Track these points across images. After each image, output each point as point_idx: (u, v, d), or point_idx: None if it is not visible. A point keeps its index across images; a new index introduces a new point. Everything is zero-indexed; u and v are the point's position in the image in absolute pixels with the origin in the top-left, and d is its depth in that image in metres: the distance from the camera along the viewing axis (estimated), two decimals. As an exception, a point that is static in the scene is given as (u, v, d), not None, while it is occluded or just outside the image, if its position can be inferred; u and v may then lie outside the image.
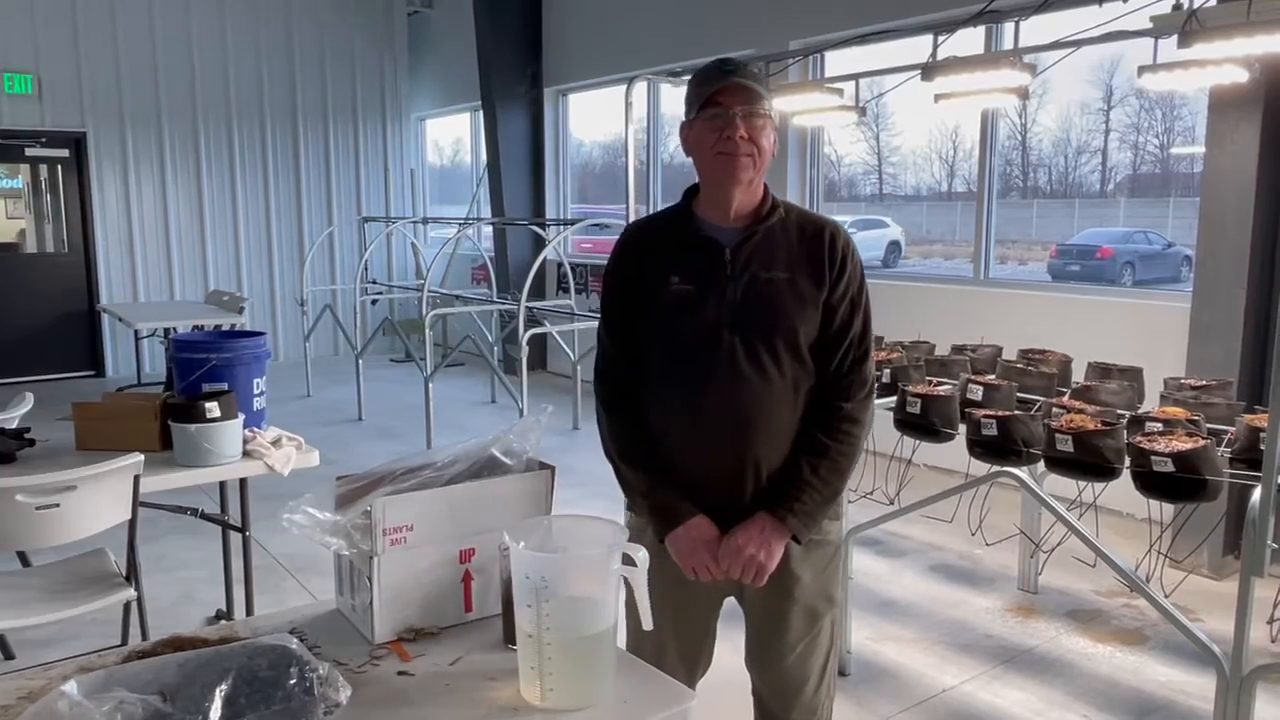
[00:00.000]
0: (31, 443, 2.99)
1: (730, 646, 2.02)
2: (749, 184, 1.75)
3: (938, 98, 3.53)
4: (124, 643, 2.95)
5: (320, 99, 9.96)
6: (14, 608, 2.69)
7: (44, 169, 8.86)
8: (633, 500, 1.89)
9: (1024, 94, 3.44)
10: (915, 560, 4.19)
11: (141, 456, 2.66)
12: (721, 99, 1.71)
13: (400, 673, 1.53)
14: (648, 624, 1.47)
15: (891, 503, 3.50)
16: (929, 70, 3.26)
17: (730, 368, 1.74)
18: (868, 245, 8.16)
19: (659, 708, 1.44)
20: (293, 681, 1.33)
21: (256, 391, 3.14)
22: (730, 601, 1.96)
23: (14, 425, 3.23)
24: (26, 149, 8.65)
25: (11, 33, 8.31)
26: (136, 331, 8.17)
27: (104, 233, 9.01)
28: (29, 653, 3.27)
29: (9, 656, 3.29)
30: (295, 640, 1.42)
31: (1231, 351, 3.94)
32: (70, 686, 1.25)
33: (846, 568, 3.15)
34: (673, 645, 1.90)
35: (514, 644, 1.57)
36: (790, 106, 4.02)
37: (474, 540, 1.69)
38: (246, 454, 2.98)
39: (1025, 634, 3.51)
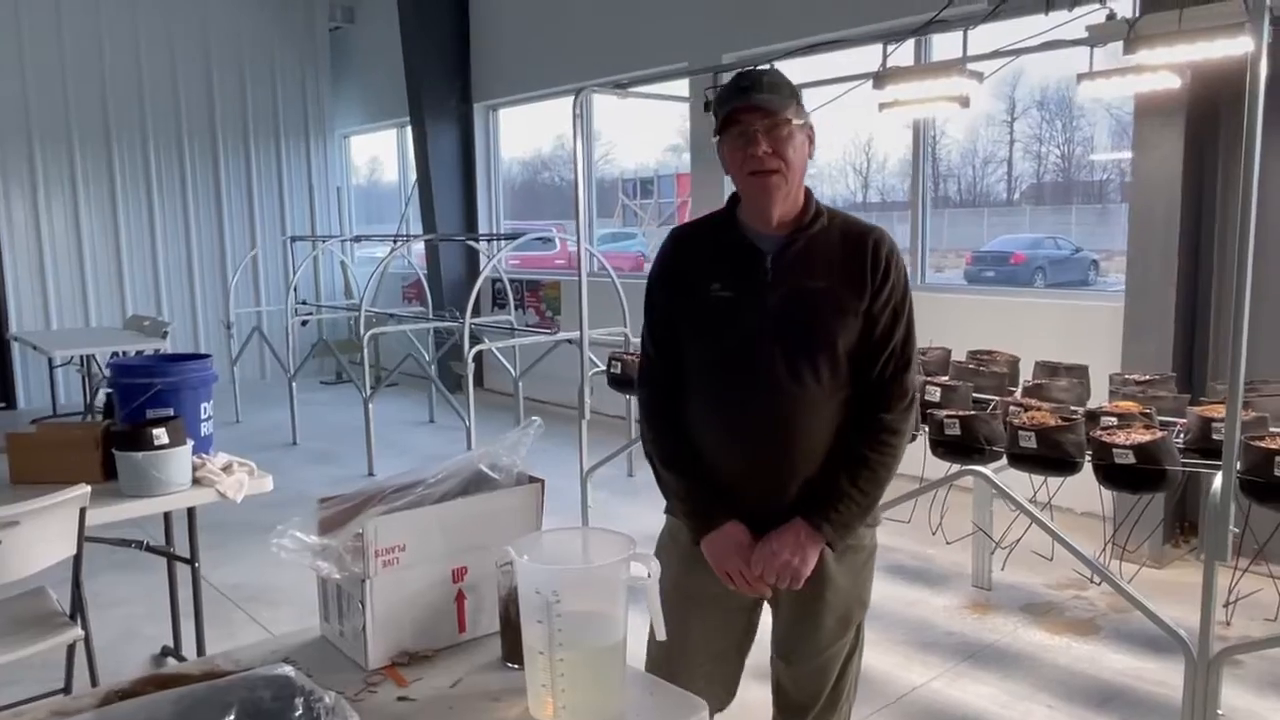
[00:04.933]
0: (-40, 478, 2.82)
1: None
2: (785, 197, 1.72)
3: (883, 106, 3.59)
4: (67, 686, 2.79)
5: (240, 116, 9.69)
6: (-50, 654, 2.53)
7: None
8: (671, 504, 1.88)
9: (965, 102, 3.53)
10: (880, 561, 4.22)
11: (88, 488, 2.53)
12: (741, 117, 1.68)
13: (400, 698, 1.47)
14: (661, 634, 1.44)
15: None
16: (880, 78, 3.32)
17: (768, 376, 1.72)
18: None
19: (675, 717, 1.42)
20: (298, 713, 1.27)
21: (204, 416, 3.02)
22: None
23: (-64, 460, 3.04)
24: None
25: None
26: (51, 360, 7.80)
27: (12, 257, 8.60)
28: (-40, 702, 3.07)
29: (-63, 707, 3.09)
30: (294, 669, 1.35)
31: (1164, 346, 4.09)
32: (61, 733, 1.17)
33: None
34: (703, 659, 1.88)
35: (514, 663, 1.53)
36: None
37: (466, 558, 1.64)
38: (196, 481, 2.86)
39: (984, 629, 3.58)
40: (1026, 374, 3.61)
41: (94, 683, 2.63)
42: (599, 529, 1.62)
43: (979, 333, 4.79)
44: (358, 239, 9.01)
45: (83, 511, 2.55)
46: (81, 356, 6.94)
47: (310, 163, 10.23)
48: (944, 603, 3.82)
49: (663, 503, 1.93)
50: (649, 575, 1.40)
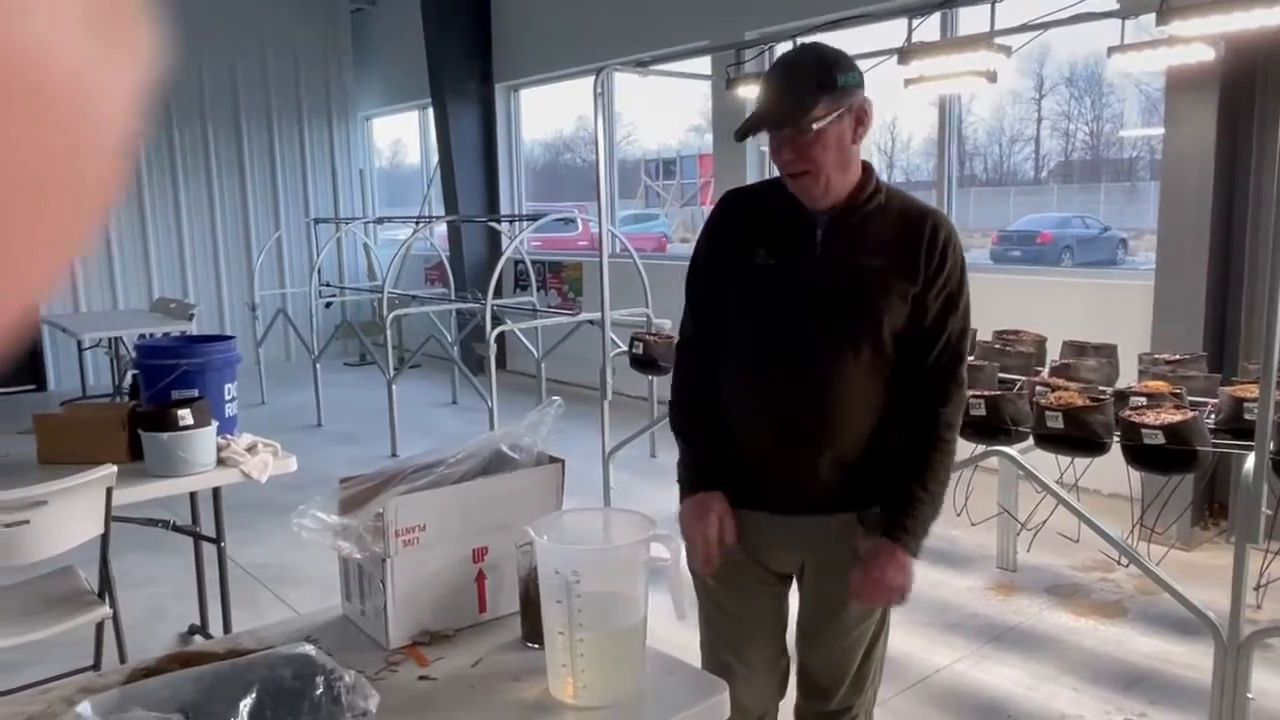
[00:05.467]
0: (-10, 458, 2.86)
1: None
2: (825, 191, 1.67)
3: (908, 83, 3.54)
4: (96, 663, 2.83)
5: (263, 99, 9.73)
6: (-17, 630, 2.57)
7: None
8: (678, 471, 1.87)
9: (992, 77, 3.47)
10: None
11: (114, 468, 2.56)
12: (764, 128, 1.65)
13: (421, 677, 1.48)
14: (681, 615, 1.43)
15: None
16: (905, 54, 3.27)
17: (807, 351, 1.69)
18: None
19: (693, 701, 1.41)
20: (319, 691, 1.27)
21: (228, 397, 3.04)
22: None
23: (-33, 441, 3.08)
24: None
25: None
26: (80, 342, 7.90)
27: (41, 242, 8.68)
28: (-6, 678, 3.13)
29: (-28, 683, 3.14)
30: (315, 648, 1.36)
31: (1194, 326, 4.03)
32: (84, 708, 1.18)
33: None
34: (754, 657, 1.88)
35: (534, 642, 1.53)
36: (747, 96, 4.00)
37: (487, 538, 1.64)
38: (221, 462, 2.88)
39: (1009, 611, 3.55)
40: (1054, 354, 3.56)
41: (123, 660, 2.66)
42: (619, 509, 1.62)
43: (1005, 312, 4.73)
44: (380, 221, 9.03)
45: (109, 491, 2.57)
46: (109, 339, 7.01)
47: (333, 145, 10.26)
48: (968, 584, 3.80)
49: None
50: (671, 556, 1.39)
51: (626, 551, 1.41)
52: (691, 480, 1.79)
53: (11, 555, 2.47)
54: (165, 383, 2.87)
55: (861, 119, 1.67)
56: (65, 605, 2.69)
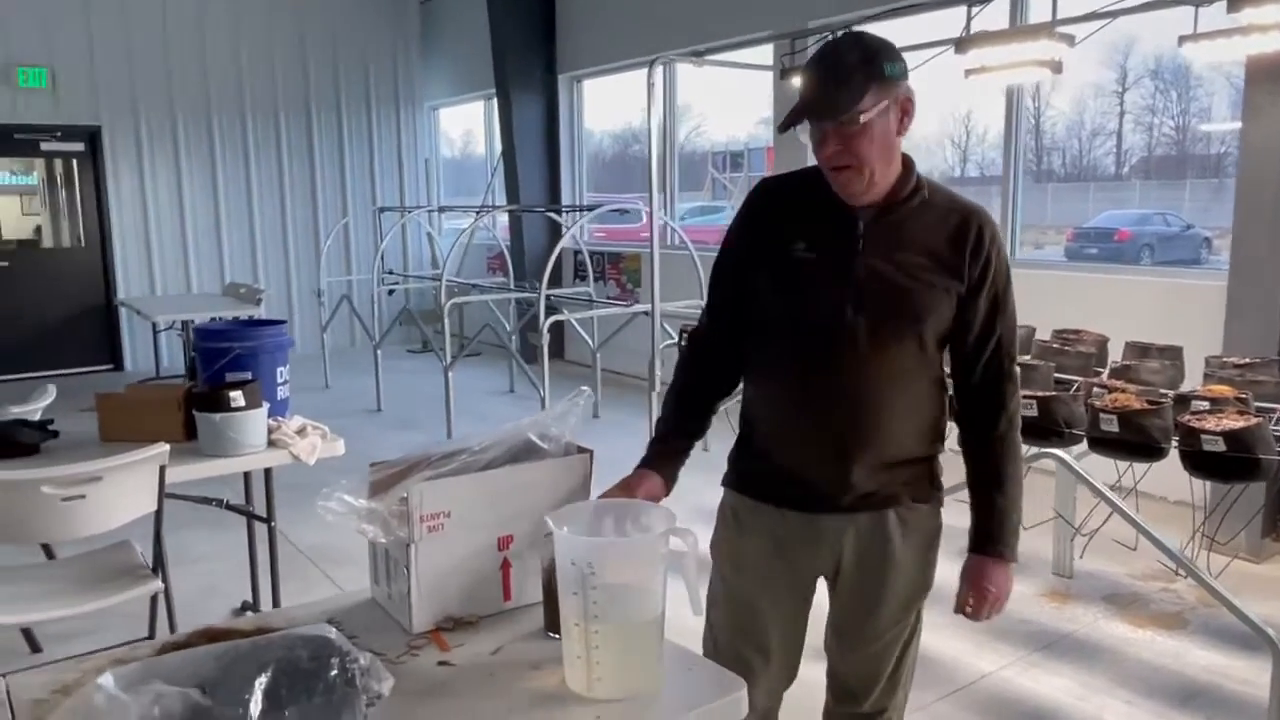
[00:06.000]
0: (55, 434, 2.96)
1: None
2: (868, 186, 1.61)
3: (969, 73, 3.44)
4: (151, 635, 2.91)
5: (333, 89, 9.92)
6: (40, 600, 2.67)
7: (59, 163, 8.86)
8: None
9: (1057, 67, 3.36)
10: (946, 545, 4.09)
11: (167, 447, 2.63)
12: (809, 120, 1.59)
13: (441, 663, 1.49)
14: (697, 610, 1.42)
15: (949, 490, 3.45)
16: (963, 43, 3.18)
17: (849, 348, 1.64)
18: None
19: (712, 695, 1.40)
20: (334, 673, 1.28)
21: (280, 380, 3.11)
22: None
23: (37, 417, 3.20)
24: (41, 143, 8.64)
25: (24, 25, 8.29)
26: (154, 324, 8.16)
27: (120, 226, 9.01)
28: (55, 646, 3.25)
29: (35, 649, 3.27)
30: (334, 630, 1.37)
31: (1270, 327, 3.85)
32: (106, 680, 1.21)
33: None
34: (774, 635, 1.84)
35: (556, 632, 1.52)
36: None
37: (512, 526, 1.64)
38: (271, 443, 2.94)
39: (1062, 619, 3.45)
40: (1116, 355, 3.44)
41: (172, 632, 2.74)
42: (641, 502, 1.60)
43: (1070, 311, 4.59)
44: (442, 209, 9.14)
45: (162, 469, 2.65)
46: (182, 321, 7.22)
47: (400, 134, 10.42)
48: (1020, 589, 3.69)
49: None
50: (687, 545, 1.37)
51: (644, 544, 1.39)
52: (644, 456, 1.77)
53: (69, 529, 2.56)
54: (220, 365, 2.94)
55: (907, 110, 1.61)
56: (120, 578, 2.78)
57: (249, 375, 2.97)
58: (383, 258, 8.36)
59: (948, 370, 1.78)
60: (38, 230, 8.95)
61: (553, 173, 8.98)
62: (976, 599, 1.75)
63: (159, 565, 2.77)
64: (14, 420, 2.87)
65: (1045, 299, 4.95)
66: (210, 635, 1.55)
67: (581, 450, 1.74)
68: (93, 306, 9.00)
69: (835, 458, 1.69)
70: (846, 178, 1.61)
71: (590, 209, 6.81)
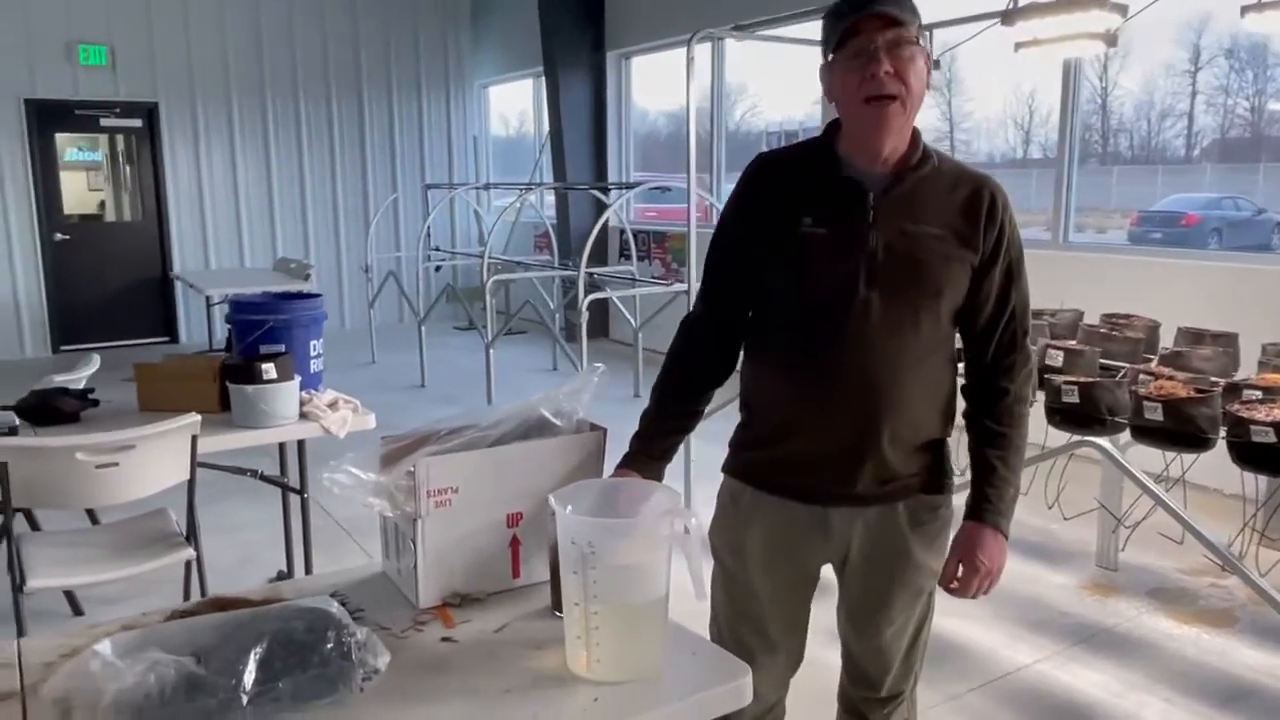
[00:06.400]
0: (95, 403, 3.02)
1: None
2: (900, 130, 1.54)
3: (1018, 46, 3.32)
4: (191, 597, 2.96)
5: (384, 67, 9.98)
6: (79, 565, 2.73)
7: (120, 139, 9.06)
8: None
9: (1111, 40, 3.22)
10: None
11: (199, 417, 2.66)
12: (862, 27, 1.47)
13: (444, 639, 1.47)
14: (700, 594, 1.38)
15: (961, 474, 3.36)
16: (1010, 15, 3.07)
17: (863, 324, 1.57)
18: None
19: (714, 681, 1.36)
20: (329, 646, 1.28)
21: (314, 354, 3.12)
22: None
23: (81, 385, 3.27)
24: (102, 119, 8.83)
25: (85, 3, 8.46)
26: (207, 298, 8.33)
27: (176, 202, 9.19)
28: (97, 609, 3.33)
29: (78, 612, 3.36)
30: (335, 603, 1.37)
31: (1336, 317, 3.68)
32: (104, 646, 1.22)
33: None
34: (775, 625, 1.80)
35: (562, 611, 1.50)
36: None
37: (522, 503, 1.62)
38: (303, 416, 2.97)
39: (1104, 613, 3.35)
40: (1169, 341, 3.32)
41: (202, 594, 2.79)
42: (647, 482, 1.57)
43: (1127, 296, 4.44)
44: (487, 186, 9.16)
45: (194, 439, 2.68)
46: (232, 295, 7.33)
47: (449, 112, 10.46)
48: (1062, 581, 3.60)
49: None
50: (687, 531, 1.33)
51: (645, 525, 1.36)
52: (626, 453, 1.72)
53: (103, 495, 2.60)
54: (254, 337, 2.96)
55: (929, 70, 1.55)
56: (155, 545, 2.83)
57: (282, 348, 2.98)
58: (429, 235, 8.41)
59: (959, 346, 1.72)
60: (101, 205, 9.17)
61: (599, 151, 8.94)
62: (967, 571, 1.63)
63: (192, 533, 2.80)
64: (55, 389, 2.93)
65: (1100, 283, 4.81)
66: (219, 604, 1.55)
67: (595, 428, 1.71)
68: (150, 279, 9.20)
69: (845, 443, 1.62)
70: (891, 111, 1.50)
71: (631, 186, 6.76)
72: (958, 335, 1.70)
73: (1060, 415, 2.57)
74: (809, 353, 1.62)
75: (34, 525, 3.30)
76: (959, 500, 1.75)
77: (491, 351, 6.21)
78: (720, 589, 1.81)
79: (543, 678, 1.36)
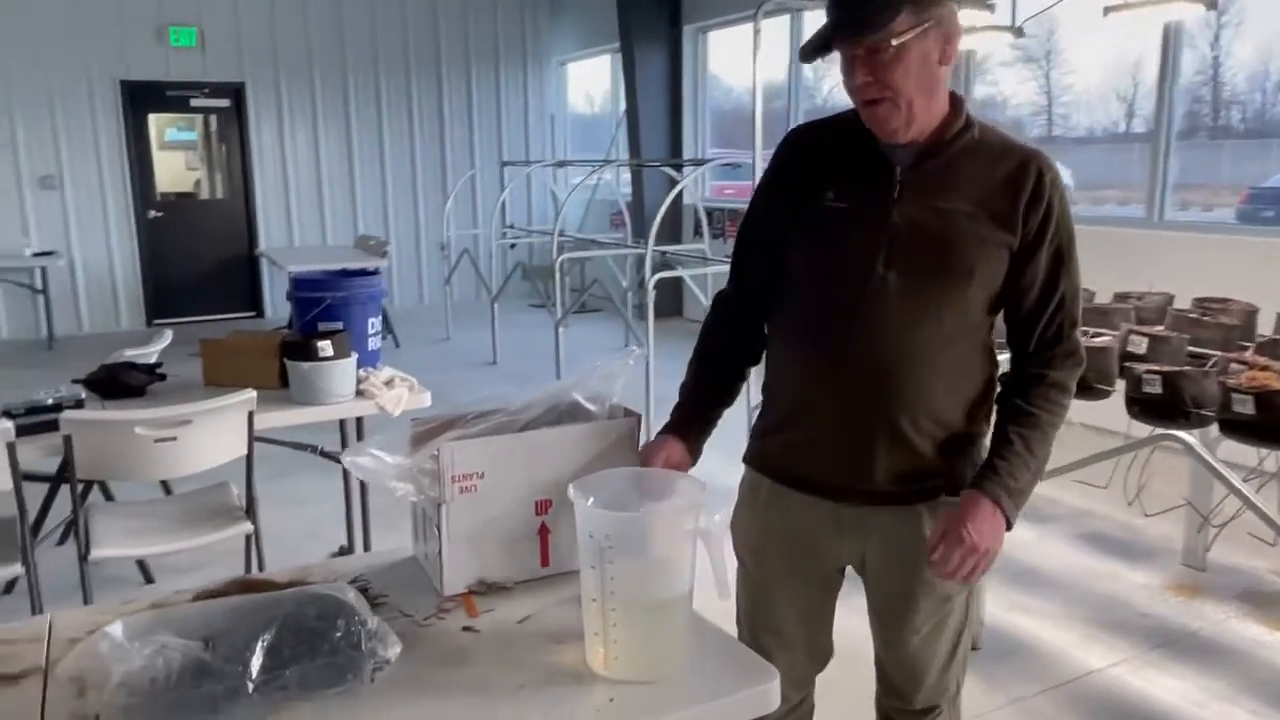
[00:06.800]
0: (162, 377, 3.09)
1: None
2: (906, 123, 1.44)
3: (1108, 10, 3.11)
4: (247, 572, 3.01)
5: (463, 45, 10.03)
6: (141, 535, 2.79)
7: (214, 119, 9.31)
8: None
9: (1210, 2, 2.99)
10: (1064, 527, 3.85)
11: (254, 393, 2.69)
12: (835, 43, 1.42)
13: (465, 628, 1.44)
14: (723, 593, 1.31)
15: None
16: (1096, -24, 2.87)
17: (879, 308, 1.47)
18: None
19: (738, 685, 1.30)
20: (339, 635, 1.25)
21: (371, 331, 3.14)
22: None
23: (153, 360, 3.35)
24: (191, 100, 9.09)
25: (174, -14, 8.70)
26: (290, 275, 8.54)
27: (262, 180, 9.41)
28: (167, 578, 3.44)
29: (149, 580, 3.46)
30: (351, 590, 1.34)
31: None
32: (115, 628, 1.21)
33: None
34: (787, 621, 1.72)
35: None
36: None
37: (550, 491, 1.57)
38: (359, 393, 2.98)
39: (1188, 616, 3.16)
40: (1267, 328, 3.09)
41: (261, 572, 2.83)
42: (673, 473, 1.50)
43: (1228, 279, 4.16)
44: (560, 164, 9.13)
45: (251, 415, 2.71)
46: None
47: (527, 89, 10.47)
48: (1143, 580, 3.40)
49: None
50: (709, 526, 1.26)
51: (666, 519, 1.30)
52: (666, 423, 1.66)
53: (162, 469, 2.66)
54: (312, 314, 2.98)
55: (950, 37, 1.42)
56: (216, 518, 2.88)
57: (340, 325, 2.99)
58: (505, 212, 8.44)
59: (1001, 340, 1.58)
60: (196, 184, 9.46)
61: (675, 127, 8.83)
62: (949, 542, 1.43)
63: (250, 508, 2.85)
64: (123, 363, 3.00)
65: (1199, 265, 4.53)
66: (245, 585, 1.54)
67: (629, 413, 1.65)
68: (238, 256, 9.46)
69: (855, 432, 1.53)
70: (881, 113, 1.43)
71: (702, 163, 6.65)
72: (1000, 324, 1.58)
73: (1140, 406, 2.40)
74: (822, 334, 1.53)
75: (108, 495, 3.41)
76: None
77: (561, 330, 6.19)
78: (739, 583, 1.74)
79: (559, 674, 1.31)
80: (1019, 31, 3.66)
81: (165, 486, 3.45)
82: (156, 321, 9.05)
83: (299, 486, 4.25)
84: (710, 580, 1.29)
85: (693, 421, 1.65)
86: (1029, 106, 7.46)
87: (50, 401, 2.61)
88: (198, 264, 9.29)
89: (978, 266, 1.45)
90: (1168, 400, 2.36)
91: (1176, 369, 2.42)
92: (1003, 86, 7.06)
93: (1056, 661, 2.87)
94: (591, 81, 11.40)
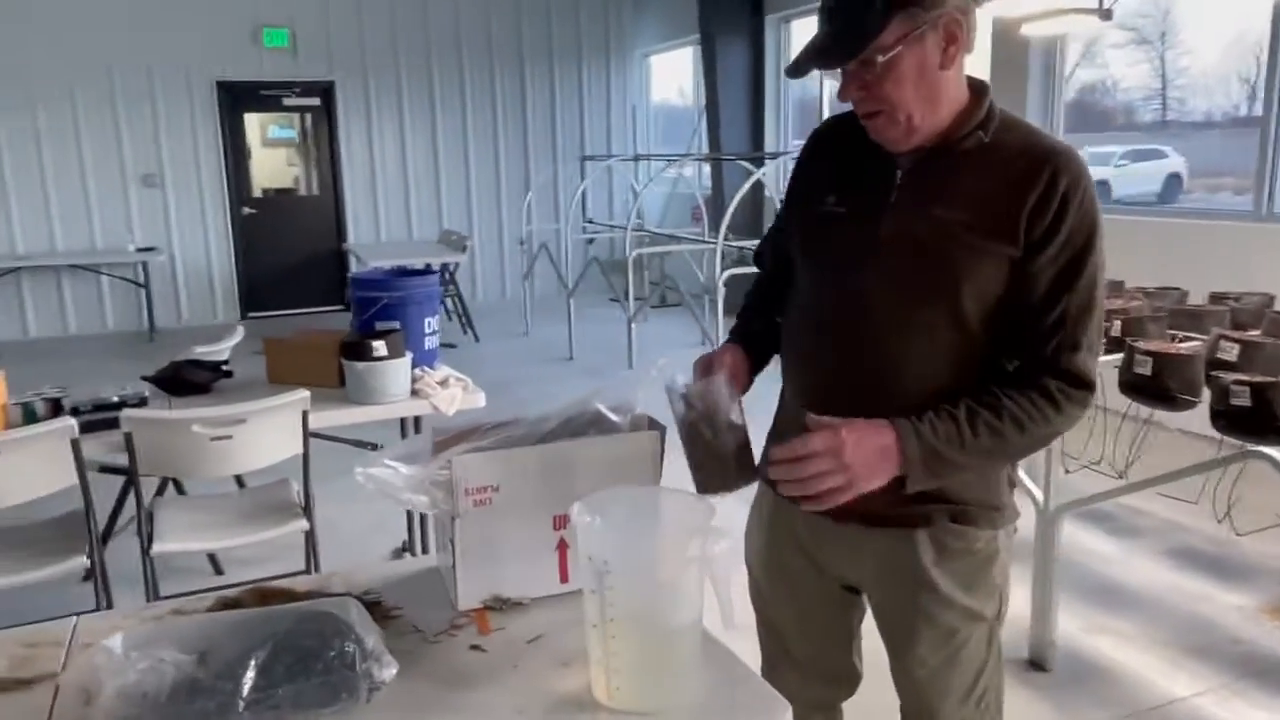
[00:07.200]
0: (228, 374, 3.15)
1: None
2: (909, 130, 1.33)
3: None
4: (308, 568, 3.05)
5: (545, 39, 10.07)
6: (202, 530, 2.86)
7: (307, 117, 9.57)
8: None
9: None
10: (1152, 542, 3.62)
11: (308, 393, 2.72)
12: (815, 66, 1.34)
13: (473, 646, 1.40)
14: (727, 623, 1.24)
15: (1120, 476, 3.02)
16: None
17: (865, 323, 1.38)
18: (1142, 180, 7.21)
19: (749, 717, 1.22)
20: (333, 653, 1.23)
21: (428, 331, 3.14)
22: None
23: (225, 357, 3.43)
24: (284, 99, 9.35)
25: (267, -13, 8.96)
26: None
27: (351, 176, 9.63)
28: (235, 569, 3.52)
29: (219, 572, 3.55)
30: (355, 606, 1.32)
31: None
32: (114, 641, 1.21)
33: (1055, 541, 2.73)
34: (797, 647, 1.64)
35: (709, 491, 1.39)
36: (1016, 10, 3.46)
37: (568, 505, 1.51)
38: (415, 393, 2.99)
39: (1285, 642, 2.94)
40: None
41: (316, 569, 2.87)
42: (691, 494, 1.43)
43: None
44: (637, 158, 9.09)
45: (305, 414, 2.74)
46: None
47: (609, 82, 10.45)
48: (1237, 602, 3.18)
49: None
50: (710, 552, 1.19)
51: (668, 543, 1.23)
52: (729, 337, 1.60)
53: (220, 466, 2.71)
54: (370, 314, 3.00)
55: (952, 36, 1.29)
56: (275, 514, 2.93)
57: (396, 325, 3.01)
58: (584, 207, 8.44)
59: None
60: (295, 179, 9.75)
61: (757, 120, 8.68)
62: (811, 438, 1.28)
63: (307, 505, 2.88)
64: (189, 360, 3.07)
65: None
66: (261, 595, 1.54)
67: (653, 424, 1.59)
68: (328, 251, 9.71)
69: None
70: (879, 125, 1.34)
71: (775, 156, 6.51)
72: None
73: (1227, 420, 2.22)
74: (814, 346, 1.45)
75: (180, 489, 3.51)
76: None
77: (634, 325, 6.15)
78: (751, 598, 1.67)
79: (563, 701, 1.26)
80: (1107, 14, 3.44)
81: (239, 480, 3.53)
82: (250, 315, 9.37)
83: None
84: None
85: (757, 336, 1.59)
86: (1141, 90, 7.08)
87: (115, 399, 2.68)
88: (289, 259, 9.57)
89: (965, 279, 1.32)
90: (1258, 413, 2.17)
91: (1270, 380, 2.23)
92: (1113, 70, 6.72)
93: (1135, 688, 2.70)
94: (675, 73, 11.32)
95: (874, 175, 1.40)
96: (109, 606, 2.69)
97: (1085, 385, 1.33)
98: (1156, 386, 2.41)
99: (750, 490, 1.68)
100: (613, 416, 1.59)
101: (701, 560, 1.20)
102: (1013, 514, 1.49)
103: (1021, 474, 2.78)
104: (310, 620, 1.27)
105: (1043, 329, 1.32)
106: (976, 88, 1.38)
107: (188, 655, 1.20)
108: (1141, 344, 2.52)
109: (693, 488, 1.49)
